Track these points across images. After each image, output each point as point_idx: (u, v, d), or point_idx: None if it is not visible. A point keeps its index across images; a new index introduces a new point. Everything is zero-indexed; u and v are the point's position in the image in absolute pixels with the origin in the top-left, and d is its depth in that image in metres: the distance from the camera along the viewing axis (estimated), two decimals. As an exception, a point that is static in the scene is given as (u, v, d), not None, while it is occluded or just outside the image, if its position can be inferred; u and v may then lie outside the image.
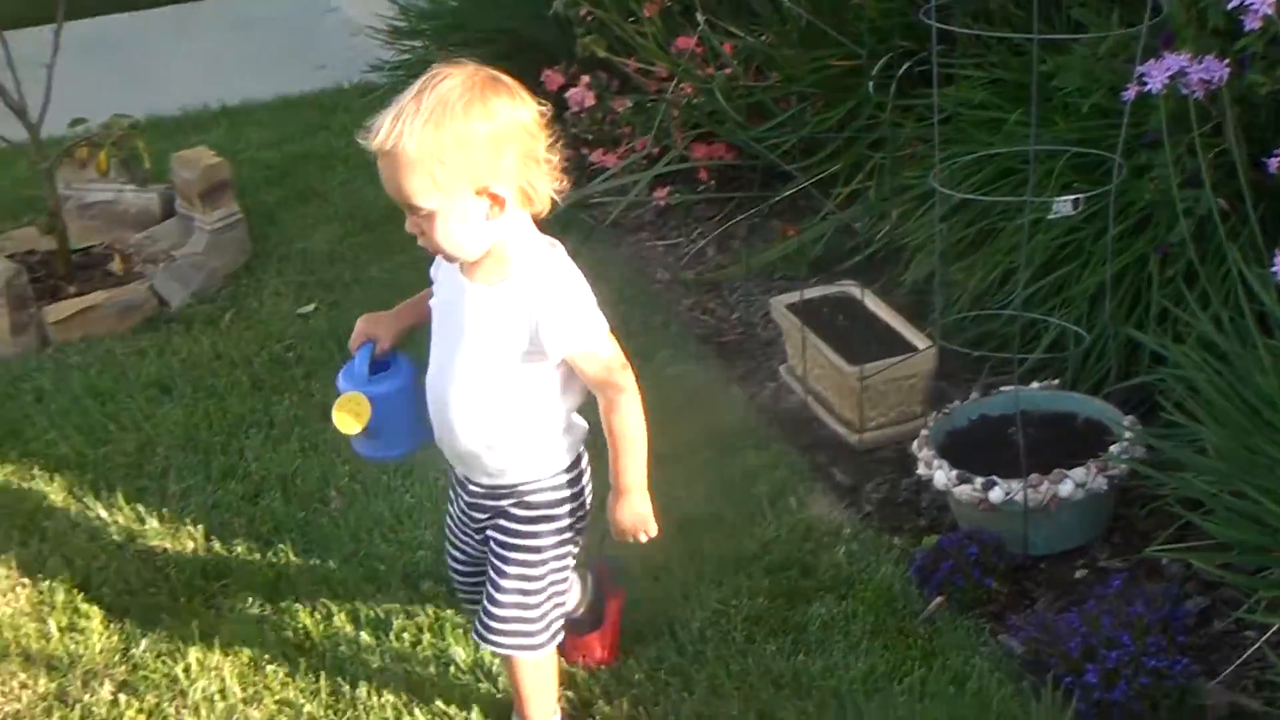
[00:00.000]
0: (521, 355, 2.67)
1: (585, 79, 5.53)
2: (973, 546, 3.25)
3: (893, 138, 4.52)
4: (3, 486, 4.02)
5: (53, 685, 3.29)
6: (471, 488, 2.86)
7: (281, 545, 3.67)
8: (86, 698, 3.23)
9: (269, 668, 3.26)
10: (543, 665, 2.94)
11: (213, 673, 3.26)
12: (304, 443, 4.12)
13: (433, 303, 2.83)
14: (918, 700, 2.99)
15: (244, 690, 3.20)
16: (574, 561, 2.98)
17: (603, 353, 2.71)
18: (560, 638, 2.95)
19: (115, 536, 3.78)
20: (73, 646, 3.40)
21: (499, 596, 2.85)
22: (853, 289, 4.23)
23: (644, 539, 2.89)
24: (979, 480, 3.34)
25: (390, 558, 3.58)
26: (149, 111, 6.49)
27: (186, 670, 3.27)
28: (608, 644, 3.22)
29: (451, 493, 2.98)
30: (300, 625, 3.38)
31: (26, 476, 4.07)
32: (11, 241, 5.37)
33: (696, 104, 5.21)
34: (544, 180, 2.63)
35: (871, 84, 4.56)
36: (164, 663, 3.32)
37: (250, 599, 3.50)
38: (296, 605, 3.44)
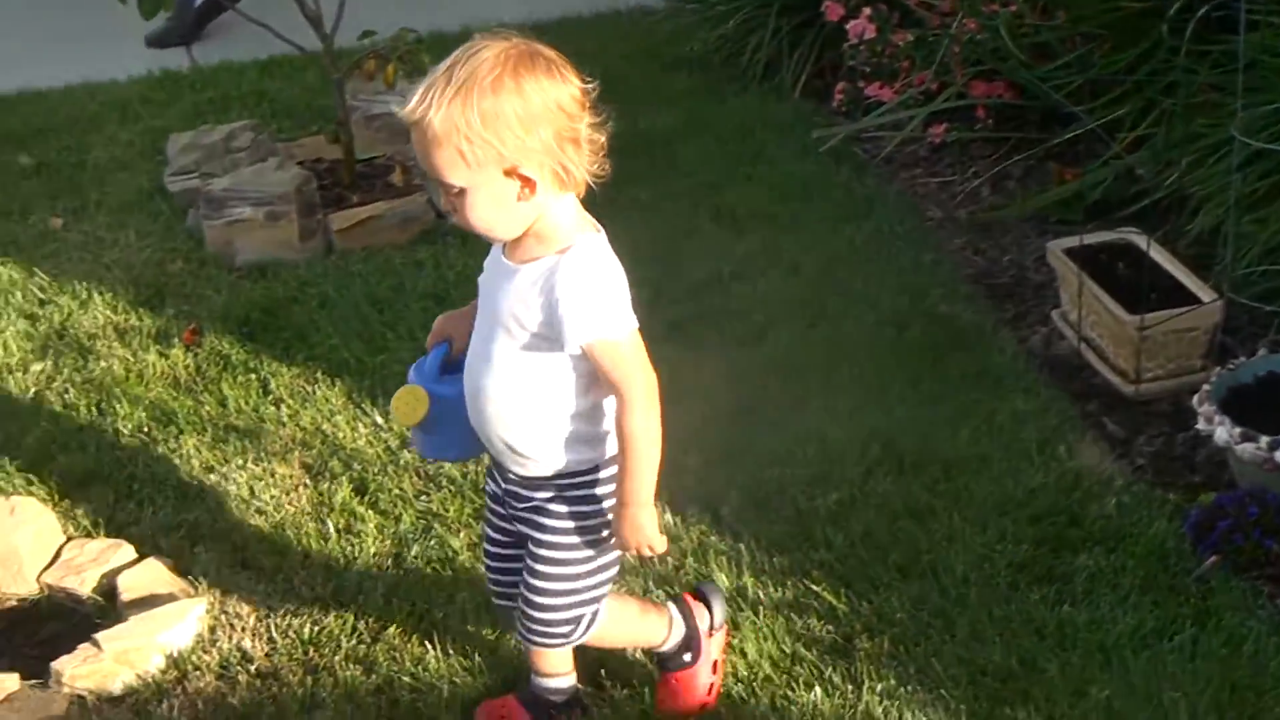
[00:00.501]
0: (542, 340, 2.58)
1: (866, 10, 5.46)
2: (1254, 506, 3.17)
3: (1186, 83, 4.37)
4: (290, 389, 4.17)
5: (329, 585, 3.41)
6: (508, 474, 2.77)
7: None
8: (360, 599, 3.35)
9: (535, 580, 3.33)
10: (598, 634, 2.88)
11: (480, 584, 3.34)
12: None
13: (480, 280, 2.74)
14: (1188, 660, 2.94)
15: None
16: (615, 553, 2.83)
17: (622, 349, 2.58)
18: (593, 629, 2.86)
19: (390, 443, 3.89)
20: (349, 549, 3.53)
21: (534, 598, 2.79)
22: (1135, 236, 4.13)
23: (648, 554, 2.74)
24: (1265, 439, 3.25)
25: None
26: (431, 28, 6.60)
27: (455, 579, 3.37)
28: (697, 687, 2.98)
29: (489, 475, 2.91)
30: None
31: (311, 380, 4.21)
32: (301, 149, 5.54)
33: (979, 40, 5.11)
34: (582, 162, 2.52)
35: (1167, 27, 4.42)
36: (434, 569, 3.42)
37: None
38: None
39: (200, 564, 3.50)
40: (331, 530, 3.58)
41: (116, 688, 3.16)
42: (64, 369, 4.36)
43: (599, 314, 2.55)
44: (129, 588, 3.43)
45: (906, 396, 3.91)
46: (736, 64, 6.11)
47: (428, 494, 3.68)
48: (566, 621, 2.81)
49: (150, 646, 3.22)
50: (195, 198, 5.19)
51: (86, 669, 3.17)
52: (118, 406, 4.13)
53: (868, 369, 4.03)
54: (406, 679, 3.09)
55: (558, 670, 2.92)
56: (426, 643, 3.18)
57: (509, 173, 2.48)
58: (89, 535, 3.66)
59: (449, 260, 4.85)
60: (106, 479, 3.84)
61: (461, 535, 3.50)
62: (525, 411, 2.66)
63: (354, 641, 3.23)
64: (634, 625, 2.97)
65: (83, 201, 5.47)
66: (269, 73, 6.47)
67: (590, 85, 2.53)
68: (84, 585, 3.49)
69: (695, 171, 5.33)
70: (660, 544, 2.72)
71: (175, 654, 3.23)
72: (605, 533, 2.75)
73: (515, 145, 2.46)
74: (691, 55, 6.35)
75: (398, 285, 4.71)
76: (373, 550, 3.51)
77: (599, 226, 2.64)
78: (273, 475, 3.80)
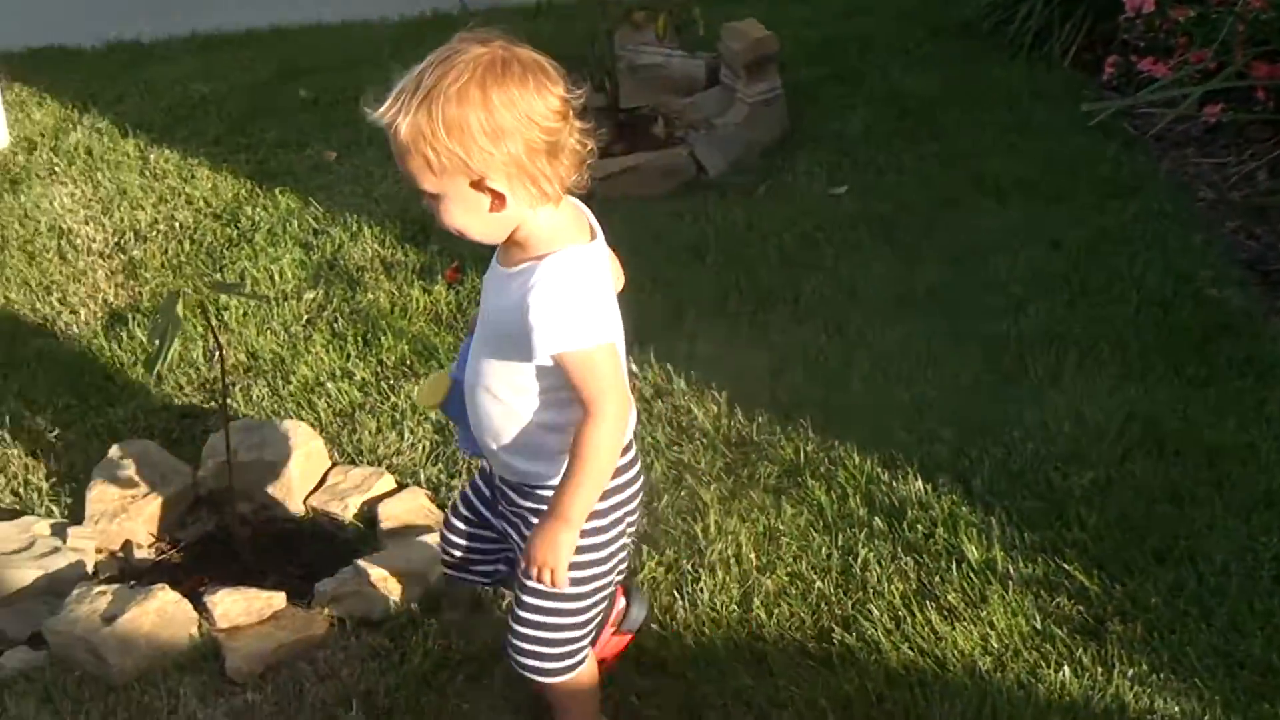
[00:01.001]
0: (519, 348, 2.46)
1: (1145, -17, 5.34)
2: None
3: None
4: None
5: (582, 525, 3.47)
6: (499, 474, 2.70)
7: (801, 421, 3.75)
8: (612, 542, 3.40)
9: (783, 540, 3.36)
10: (570, 687, 2.76)
11: (730, 537, 3.37)
12: (828, 323, 4.18)
13: (484, 277, 2.64)
14: None
15: (759, 559, 3.31)
16: (608, 590, 2.71)
17: (591, 362, 2.45)
18: (587, 662, 2.76)
19: (645, 392, 3.93)
20: (601, 491, 3.58)
21: (519, 613, 2.68)
22: None
23: (545, 581, 2.54)
24: None
25: (908, 447, 3.62)
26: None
27: (705, 530, 3.41)
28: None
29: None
30: (816, 502, 3.46)
31: (567, 325, 4.27)
32: (565, 97, 5.61)
33: (1265, 20, 4.94)
34: (558, 173, 2.41)
35: None
36: (684, 520, 3.46)
37: (769, 470, 3.59)
38: (813, 482, 3.51)
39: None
40: (585, 474, 3.63)
41: (374, 613, 3.26)
42: (334, 298, 4.51)
43: (567, 325, 2.42)
44: (389, 516, 3.54)
45: (1169, 379, 3.82)
46: (1004, 32, 6.03)
47: (680, 445, 3.72)
48: (554, 644, 2.70)
49: (407, 576, 3.32)
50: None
51: (347, 592, 3.29)
52: (383, 339, 4.26)
53: (1129, 348, 3.96)
54: (655, 627, 3.13)
55: None
56: (675, 592, 3.22)
57: (476, 185, 2.38)
58: (352, 463, 3.78)
59: (708, 215, 4.88)
60: (371, 409, 3.96)
61: (712, 488, 3.54)
62: (506, 418, 2.59)
63: (603, 585, 3.28)
64: (579, 702, 2.84)
65: (355, 136, 5.64)
66: (539, 19, 6.55)
67: (576, 94, 2.42)
68: (346, 511, 3.61)
69: (957, 138, 5.28)
70: (562, 575, 2.53)
71: (430, 585, 3.32)
72: (588, 557, 2.61)
73: (481, 158, 2.35)
74: (960, 21, 6.27)
75: (656, 236, 4.76)
76: (624, 496, 3.56)
77: (594, 232, 2.55)
78: (530, 415, 3.87)
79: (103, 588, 3.30)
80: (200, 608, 3.26)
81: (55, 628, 3.22)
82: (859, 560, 3.26)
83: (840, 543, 3.32)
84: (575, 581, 2.60)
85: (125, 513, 3.61)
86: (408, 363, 4.15)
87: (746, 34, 5.39)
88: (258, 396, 4.06)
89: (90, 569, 3.48)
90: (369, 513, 3.59)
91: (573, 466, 2.50)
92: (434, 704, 3.00)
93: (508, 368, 2.54)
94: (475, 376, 2.61)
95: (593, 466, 2.48)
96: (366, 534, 3.55)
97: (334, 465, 3.78)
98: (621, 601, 2.95)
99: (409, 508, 3.57)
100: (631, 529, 2.71)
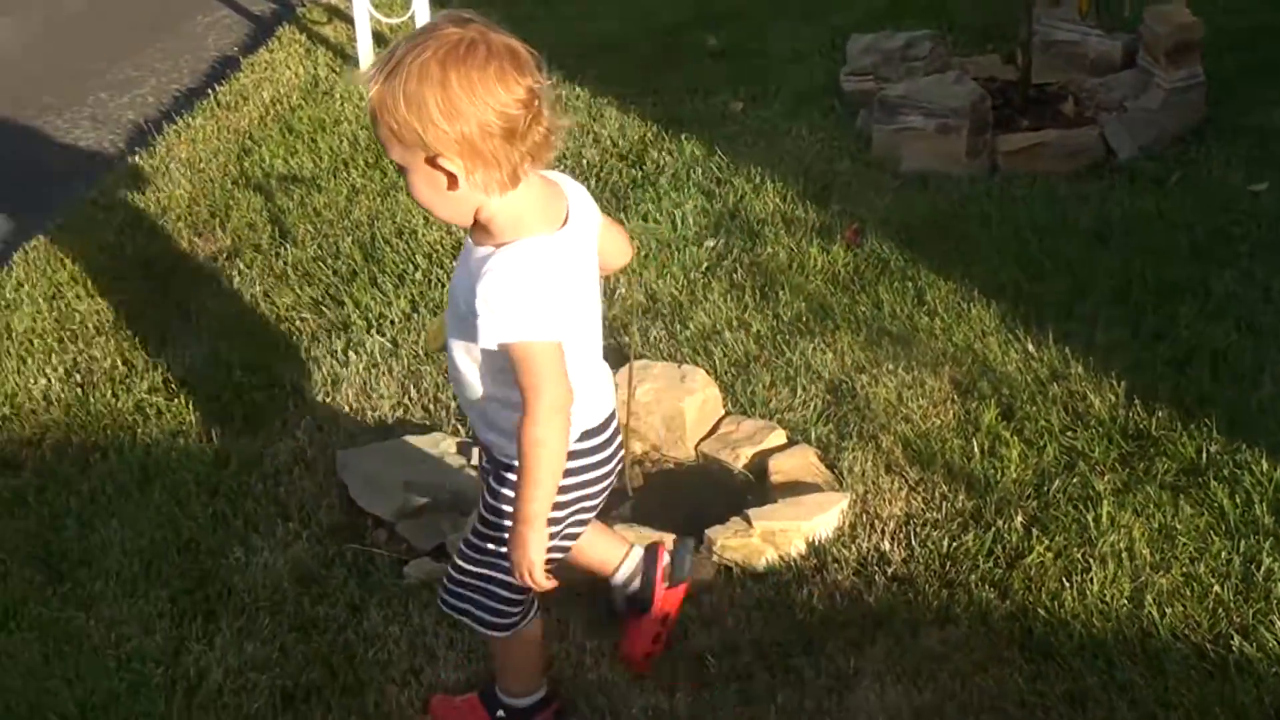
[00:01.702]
0: (470, 326, 2.52)
1: None
2: None
3: None
4: (945, 303, 4.23)
5: (970, 503, 3.47)
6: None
7: (1205, 419, 3.65)
8: (1000, 523, 3.38)
9: (1180, 539, 3.28)
10: (511, 643, 2.88)
11: (1123, 530, 3.31)
12: (1240, 321, 4.05)
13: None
14: None
15: (1153, 555, 3.24)
16: (520, 605, 2.83)
17: (530, 355, 2.50)
18: (527, 626, 2.88)
19: (1040, 373, 3.89)
20: (991, 471, 3.56)
21: (459, 560, 2.81)
22: None
23: (528, 580, 2.62)
24: None
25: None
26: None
27: (1096, 521, 3.35)
28: (643, 642, 3.07)
29: None
30: (1218, 504, 3.36)
31: (966, 297, 4.25)
32: (974, 66, 5.55)
33: None
34: (511, 159, 2.43)
35: None
36: (1075, 508, 3.41)
37: (1167, 466, 3.51)
38: (1215, 484, 3.42)
39: (846, 460, 3.62)
40: (975, 450, 3.62)
41: (760, 564, 3.33)
42: (733, 249, 4.58)
43: (509, 316, 2.48)
44: (779, 470, 3.60)
45: None
46: None
47: (1074, 430, 3.67)
48: (487, 598, 2.82)
49: (795, 531, 3.37)
50: (868, 100, 5.30)
51: (736, 542, 3.36)
52: (780, 293, 4.31)
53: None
54: (1042, 612, 3.11)
55: (515, 688, 2.97)
56: (1064, 579, 3.19)
57: (430, 161, 2.43)
58: (744, 414, 3.85)
59: (1115, 198, 4.77)
60: (766, 362, 4.02)
61: (1106, 479, 3.48)
62: (467, 386, 2.70)
63: (990, 564, 3.27)
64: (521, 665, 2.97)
65: (762, 88, 5.70)
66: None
67: (545, 84, 2.46)
68: (737, 460, 3.68)
69: None
70: (539, 574, 2.61)
71: (817, 542, 3.36)
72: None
73: (434, 134, 2.40)
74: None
75: (1060, 215, 4.68)
76: (1014, 476, 3.53)
77: (568, 219, 2.58)
78: (921, 385, 3.88)
79: (504, 508, 3.44)
80: (594, 539, 3.37)
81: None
82: (1262, 570, 3.16)
83: (1242, 549, 3.23)
84: (493, 552, 2.76)
85: (526, 438, 3.75)
86: (804, 320, 4.19)
87: (1171, 18, 5.22)
88: (655, 338, 4.16)
89: (490, 489, 3.64)
90: (759, 465, 3.65)
91: (521, 467, 2.57)
92: (814, 663, 3.04)
93: (465, 343, 2.64)
94: (448, 342, 2.73)
95: (535, 465, 2.55)
96: (754, 485, 3.61)
97: (726, 414, 3.85)
98: (666, 557, 3.11)
99: (798, 464, 3.62)
100: (588, 512, 2.82)
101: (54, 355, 4.27)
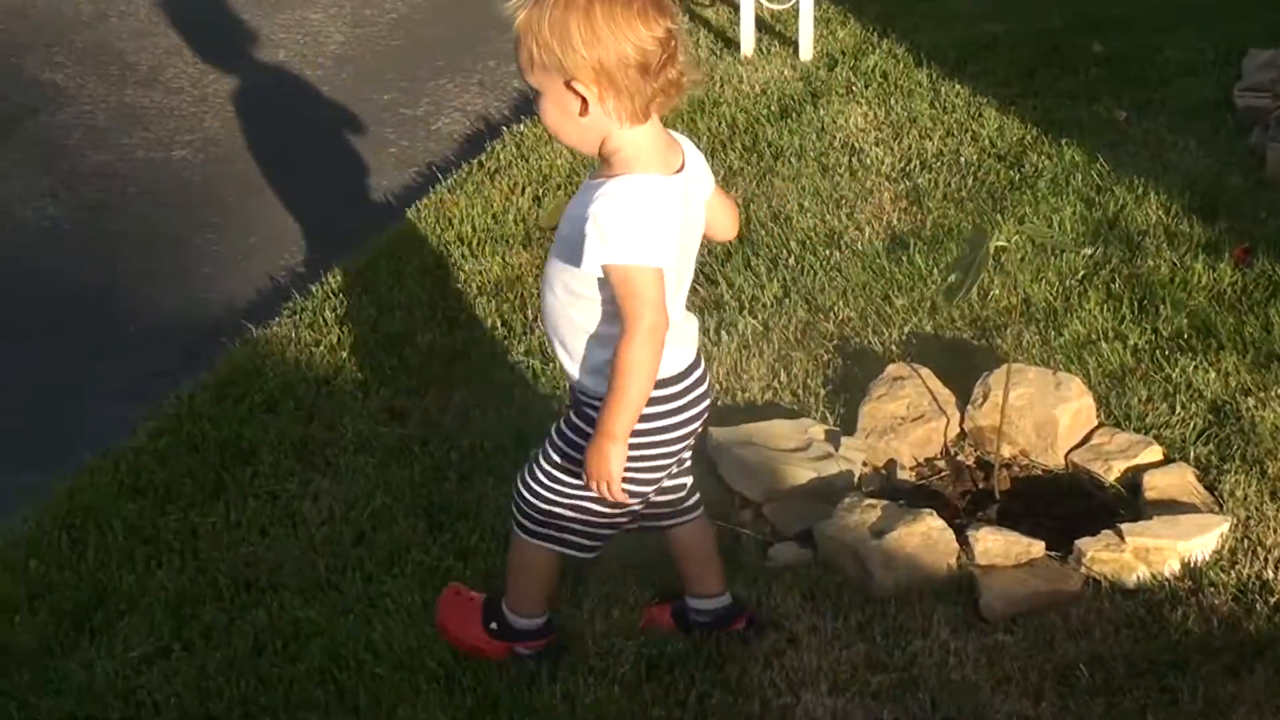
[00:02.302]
0: (575, 254, 2.67)
1: None
2: None
3: None
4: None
5: None
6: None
7: None
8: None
9: None
10: (528, 553, 3.02)
11: None
12: None
13: None
14: None
15: None
16: (584, 531, 2.97)
17: (633, 279, 2.64)
18: (560, 549, 3.01)
19: None
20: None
21: (529, 466, 2.98)
22: None
23: (605, 492, 2.78)
24: None
25: None
26: None
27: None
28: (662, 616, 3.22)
29: None
30: None
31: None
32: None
33: None
34: (643, 92, 2.60)
35: None
36: None
37: None
38: None
39: (1228, 483, 3.51)
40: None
41: (1131, 580, 3.26)
42: (1111, 258, 4.48)
43: (616, 239, 2.63)
44: (1153, 487, 3.51)
45: None
46: None
47: None
48: (539, 511, 2.97)
49: (1170, 550, 3.29)
50: (1263, 117, 5.12)
51: (1106, 555, 3.29)
52: (1160, 308, 4.20)
53: None
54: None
55: (522, 607, 3.10)
56: None
57: (568, 85, 2.61)
58: (1118, 426, 3.77)
59: None
60: (1143, 376, 3.93)
61: None
62: (560, 318, 2.82)
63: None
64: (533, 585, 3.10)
65: (1148, 98, 5.56)
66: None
67: (676, 27, 2.62)
68: (1109, 473, 3.61)
69: None
70: (617, 488, 2.77)
71: (1193, 564, 3.28)
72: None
73: (574, 60, 2.58)
74: None
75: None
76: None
77: (684, 167, 2.72)
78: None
79: (871, 501, 3.45)
80: (961, 540, 3.35)
81: (826, 531, 3.40)
82: None
83: None
84: (563, 481, 2.91)
85: (893, 432, 3.75)
86: (1185, 336, 4.08)
87: None
88: (1028, 343, 4.11)
89: (856, 479, 3.65)
90: (1132, 479, 3.57)
91: (612, 383, 2.72)
92: (1189, 686, 2.96)
93: (567, 271, 2.75)
94: (546, 272, 2.86)
95: (627, 383, 2.70)
96: (1127, 500, 3.54)
97: (1099, 425, 3.78)
98: (740, 625, 3.18)
99: (1175, 482, 3.53)
100: (659, 459, 2.90)
101: (439, 310, 4.44)
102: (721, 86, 5.84)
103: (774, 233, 4.75)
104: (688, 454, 3.04)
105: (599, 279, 2.71)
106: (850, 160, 5.22)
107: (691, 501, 3.15)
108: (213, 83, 6.29)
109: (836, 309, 4.35)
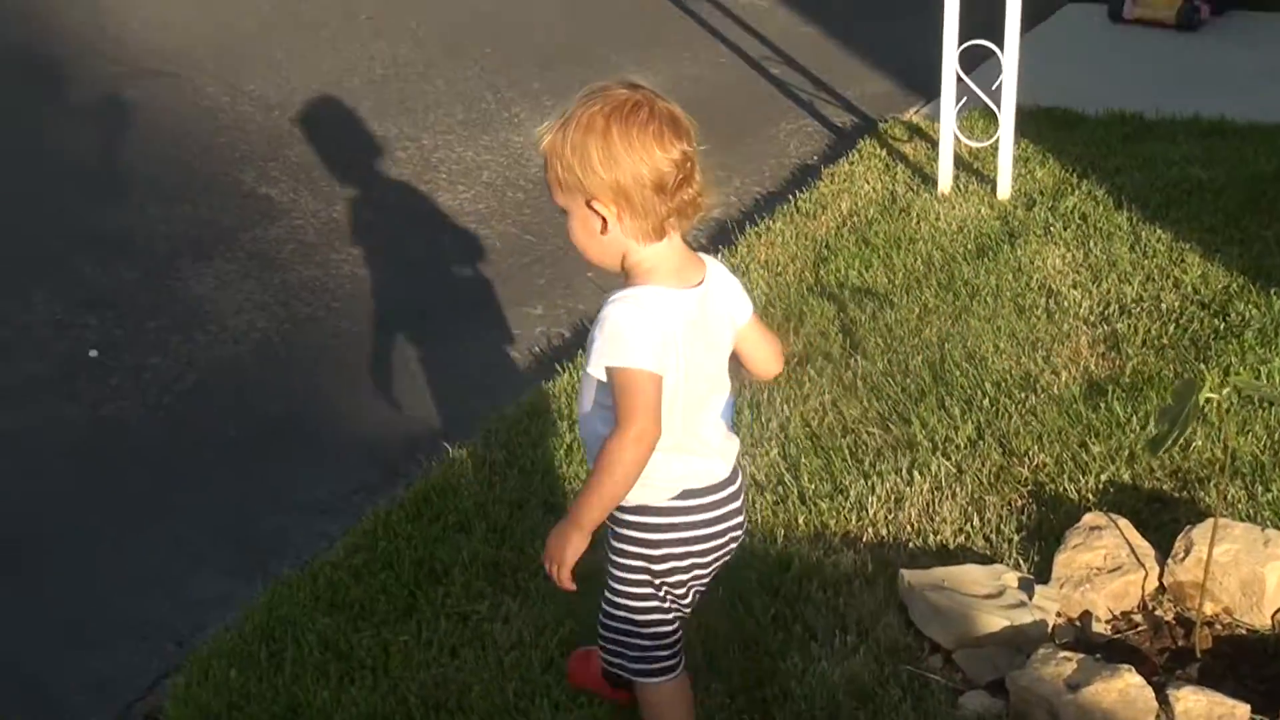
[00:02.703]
0: (587, 361, 2.80)
1: None
2: None
3: None
4: None
5: None
6: None
7: None
8: None
9: None
10: (660, 695, 3.11)
11: None
12: None
13: None
14: None
15: None
16: (661, 615, 3.03)
17: (629, 382, 2.73)
18: (646, 679, 3.10)
19: None
20: None
21: (602, 619, 3.09)
22: None
23: (553, 572, 2.86)
24: None
25: None
26: None
27: None
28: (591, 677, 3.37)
29: None
30: None
31: None
32: None
33: None
34: (658, 211, 2.73)
35: None
36: None
37: None
38: None
39: None
40: None
41: (1342, 752, 3.16)
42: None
43: (618, 343, 2.73)
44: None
45: None
46: None
47: None
48: (610, 640, 3.09)
49: (1381, 723, 3.18)
50: None
51: (1316, 723, 3.20)
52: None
53: None
54: None
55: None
56: None
57: (588, 204, 2.74)
58: (1329, 589, 3.66)
59: None
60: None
61: None
62: (586, 430, 2.96)
63: None
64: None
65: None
66: None
67: (692, 149, 2.74)
68: (1323, 637, 3.51)
69: None
70: (565, 574, 2.84)
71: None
72: (646, 577, 2.96)
73: (593, 180, 2.70)
74: None
75: None
76: None
77: (692, 285, 2.82)
78: None
79: (1066, 654, 3.38)
80: (1160, 699, 3.27)
81: (1019, 682, 3.34)
82: None
83: None
84: (616, 603, 3.03)
85: (1089, 583, 3.69)
86: (1387, 500, 3.96)
87: None
88: (1233, 498, 4.02)
89: (1049, 630, 3.59)
90: (1342, 645, 3.47)
91: (590, 475, 2.82)
92: None
93: (587, 377, 2.85)
94: (580, 385, 3.00)
95: (604, 478, 2.78)
96: (1339, 667, 3.43)
97: (1309, 588, 3.68)
98: None
99: (1386, 653, 3.41)
100: (683, 573, 2.98)
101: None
102: (918, 223, 5.85)
103: (969, 373, 4.72)
104: (707, 573, 3.05)
105: (602, 382, 2.81)
106: (1047, 302, 5.18)
107: None
108: (418, 202, 6.47)
109: (1031, 453, 4.31)
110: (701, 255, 2.91)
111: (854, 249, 5.65)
